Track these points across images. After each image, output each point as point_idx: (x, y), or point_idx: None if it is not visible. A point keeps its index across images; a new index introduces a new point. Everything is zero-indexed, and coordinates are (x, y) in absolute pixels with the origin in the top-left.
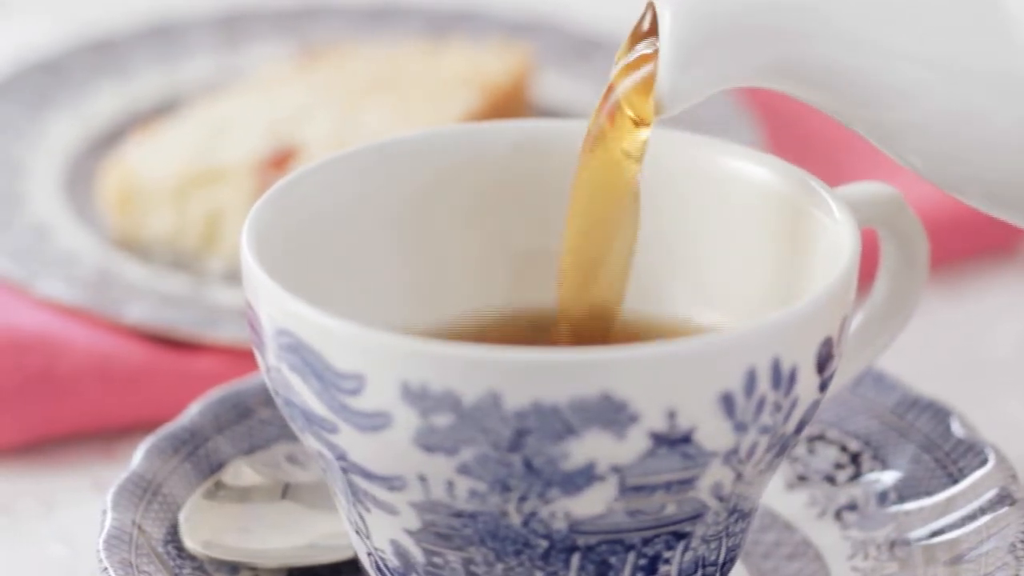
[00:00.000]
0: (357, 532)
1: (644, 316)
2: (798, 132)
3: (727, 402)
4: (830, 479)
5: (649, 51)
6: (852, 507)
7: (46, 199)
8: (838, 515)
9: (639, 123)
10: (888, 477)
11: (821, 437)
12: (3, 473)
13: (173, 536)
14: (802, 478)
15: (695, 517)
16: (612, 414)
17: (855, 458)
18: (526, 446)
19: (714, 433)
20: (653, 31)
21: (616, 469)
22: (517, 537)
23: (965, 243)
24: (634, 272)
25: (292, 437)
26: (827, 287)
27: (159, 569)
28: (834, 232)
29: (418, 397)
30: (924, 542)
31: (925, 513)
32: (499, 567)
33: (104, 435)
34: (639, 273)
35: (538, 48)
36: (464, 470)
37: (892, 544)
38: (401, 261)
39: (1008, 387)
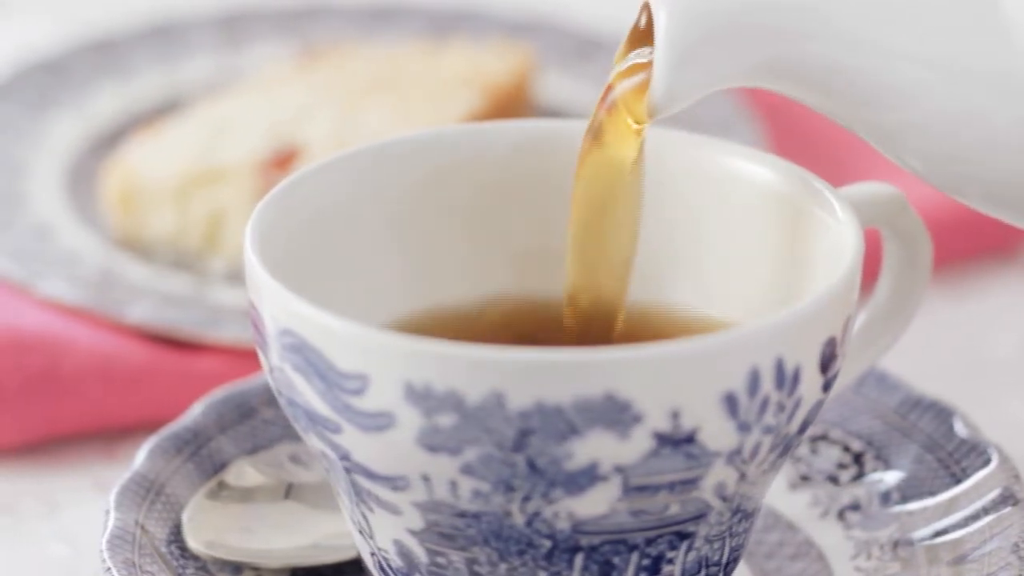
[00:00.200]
0: (360, 532)
1: (647, 314)
2: (800, 132)
3: (730, 402)
4: (833, 479)
5: (644, 60)
6: (855, 507)
7: (48, 199)
8: (841, 515)
9: (636, 122)
10: (891, 477)
11: (824, 437)
12: (5, 473)
13: (176, 536)
14: (805, 478)
15: (698, 517)
16: (615, 414)
17: (858, 458)
18: (529, 446)
19: (717, 433)
20: (650, 30)
21: (619, 469)
22: (520, 537)
23: (967, 243)
24: (637, 272)
25: (295, 437)
26: (830, 287)
27: (162, 569)
28: (837, 232)
29: (421, 397)
30: (927, 542)
31: (928, 513)
32: (502, 567)
33: (106, 435)
34: (642, 273)
35: (539, 48)
36: (467, 470)
37: (895, 544)
38: (403, 260)
39: (1010, 387)
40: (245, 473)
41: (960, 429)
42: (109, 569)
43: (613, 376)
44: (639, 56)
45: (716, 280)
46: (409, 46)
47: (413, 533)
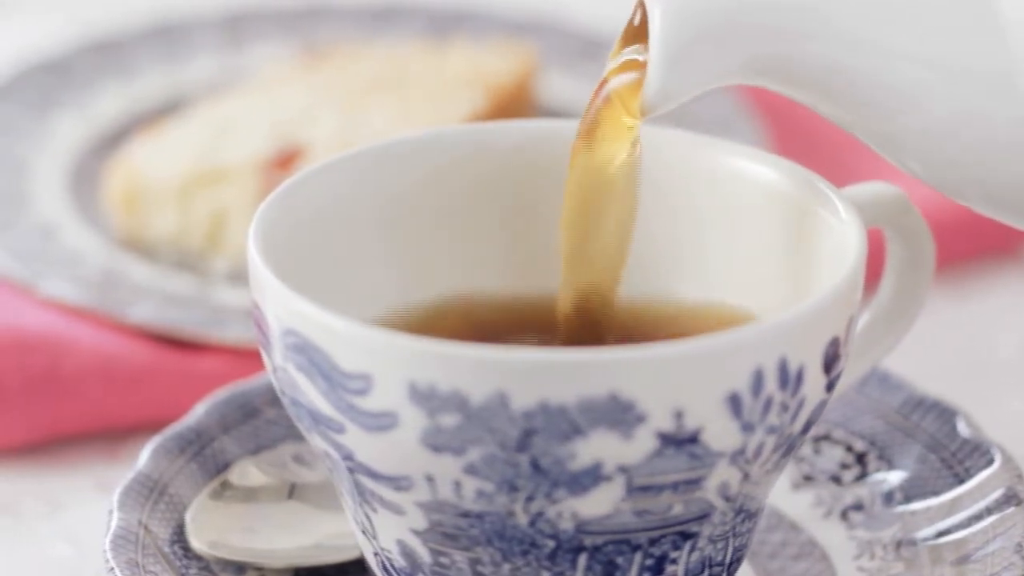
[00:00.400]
0: (363, 532)
1: (651, 314)
2: (803, 132)
3: (734, 402)
4: (836, 479)
5: (639, 58)
6: (858, 507)
7: (51, 199)
8: (844, 515)
9: (631, 118)
10: (894, 477)
11: (827, 437)
12: (8, 473)
13: (179, 536)
14: (808, 478)
15: (702, 517)
16: (619, 414)
17: (861, 458)
18: (533, 446)
19: (721, 433)
20: (644, 28)
21: (623, 469)
22: (524, 537)
23: (969, 244)
24: (640, 272)
25: (298, 437)
26: (834, 287)
27: (165, 569)
28: (840, 232)
29: (425, 397)
30: (930, 542)
31: (931, 513)
32: (506, 567)
33: (109, 435)
34: (646, 273)
35: (541, 48)
36: (471, 470)
37: (898, 544)
38: (406, 260)
39: (1013, 387)
40: (248, 473)
41: (963, 429)
42: (112, 569)
43: (617, 376)
44: (634, 52)
45: (720, 280)
46: (411, 46)
47: (416, 533)
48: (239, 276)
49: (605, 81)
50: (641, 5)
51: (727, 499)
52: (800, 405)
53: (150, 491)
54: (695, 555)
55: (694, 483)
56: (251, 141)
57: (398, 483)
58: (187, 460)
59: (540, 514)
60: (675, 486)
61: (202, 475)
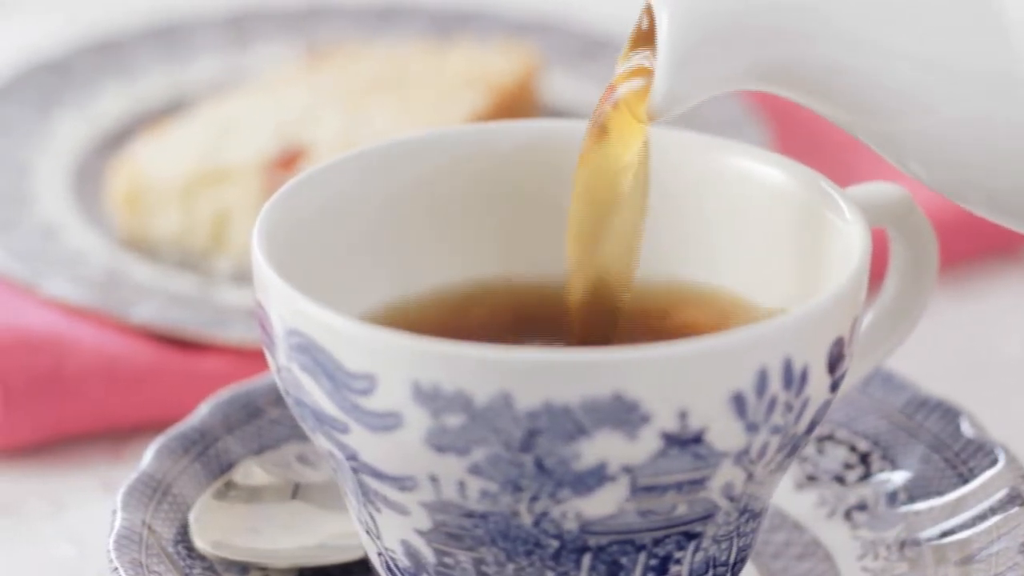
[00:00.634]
0: (367, 532)
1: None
2: (807, 133)
3: (738, 402)
4: (839, 479)
5: (647, 64)
6: (862, 507)
7: (53, 199)
8: (848, 515)
9: (639, 122)
10: (898, 477)
11: (830, 437)
12: (11, 473)
13: (183, 536)
14: (811, 478)
15: (706, 517)
16: (623, 414)
17: (864, 458)
18: (537, 446)
19: (725, 433)
20: (652, 32)
21: (627, 469)
22: (528, 537)
23: (972, 244)
24: (646, 272)
25: (302, 437)
26: (838, 287)
27: (169, 569)
28: (845, 232)
29: (429, 397)
30: (934, 542)
31: (935, 513)
32: (510, 567)
33: (112, 435)
34: (651, 273)
35: (544, 48)
36: (475, 470)
37: (902, 544)
38: (409, 259)
39: (1017, 387)
40: (252, 473)
41: (967, 429)
42: (116, 569)
43: (621, 376)
44: (642, 59)
45: (725, 280)
46: (414, 46)
47: (420, 533)
48: (242, 276)
49: (613, 87)
50: (649, 10)
51: (731, 499)
52: (804, 405)
53: (154, 491)
54: (699, 555)
55: (698, 483)
56: (254, 141)
57: (402, 483)
58: (191, 460)
59: (544, 514)
60: (679, 486)
61: (206, 475)
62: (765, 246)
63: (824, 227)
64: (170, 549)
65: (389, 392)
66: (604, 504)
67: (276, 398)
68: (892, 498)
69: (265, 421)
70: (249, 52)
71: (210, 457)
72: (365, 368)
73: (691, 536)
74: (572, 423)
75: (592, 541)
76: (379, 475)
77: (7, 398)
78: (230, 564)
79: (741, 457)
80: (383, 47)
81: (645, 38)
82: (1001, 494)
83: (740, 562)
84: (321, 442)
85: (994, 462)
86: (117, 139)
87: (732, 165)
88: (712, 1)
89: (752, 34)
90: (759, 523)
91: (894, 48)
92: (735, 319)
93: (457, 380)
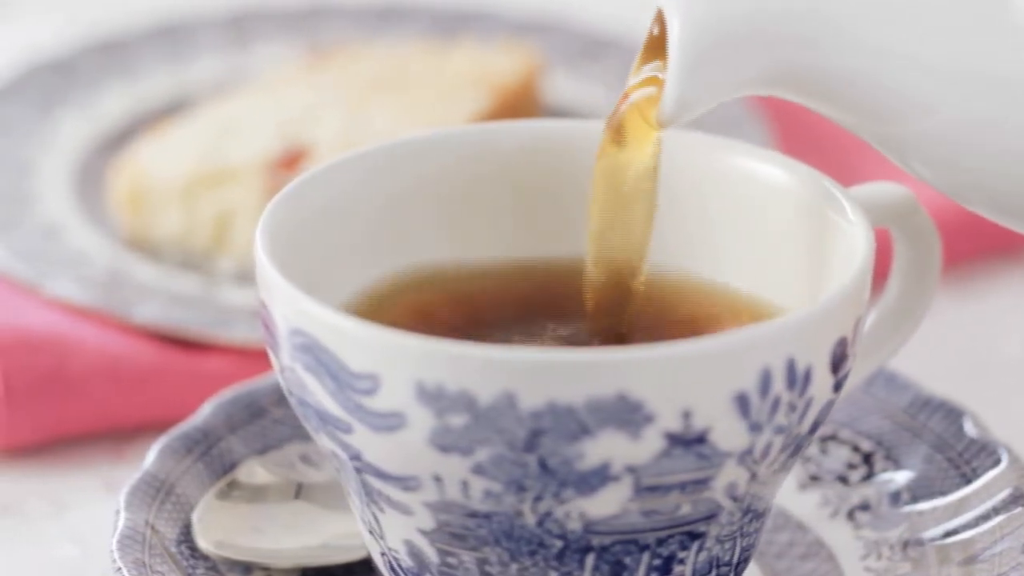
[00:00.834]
0: (371, 532)
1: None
2: (810, 132)
3: (742, 402)
4: (843, 479)
5: (659, 75)
6: (865, 507)
7: (56, 199)
8: (851, 515)
9: (651, 127)
10: (901, 477)
11: (833, 437)
12: (14, 473)
13: (186, 536)
14: (815, 478)
15: (709, 517)
16: (627, 414)
17: (867, 458)
18: (541, 446)
19: (729, 433)
20: (664, 38)
21: (631, 469)
22: (532, 537)
23: (975, 244)
24: (652, 273)
25: (305, 437)
26: (842, 287)
27: (172, 569)
28: (848, 232)
29: (433, 397)
30: (938, 542)
31: (938, 513)
32: (513, 567)
33: (115, 435)
34: (657, 274)
35: (546, 48)
36: (479, 470)
37: (905, 544)
38: (412, 259)
39: (1019, 387)
40: (255, 473)
41: (970, 429)
42: (120, 569)
43: (625, 376)
44: (653, 70)
45: (729, 277)
46: (416, 46)
47: (424, 533)
48: (245, 276)
49: (627, 95)
50: (660, 17)
51: (735, 499)
52: (808, 405)
53: (157, 491)
54: (703, 555)
55: (702, 483)
56: (256, 141)
57: (406, 483)
58: (194, 460)
59: (548, 514)
60: (683, 486)
61: (209, 475)
62: (769, 246)
63: (827, 227)
64: (173, 549)
65: (393, 392)
66: (608, 504)
67: (279, 398)
68: (895, 498)
69: (268, 421)
70: (251, 52)
71: (213, 457)
72: (369, 368)
73: (695, 536)
74: (576, 423)
75: (596, 541)
76: (383, 475)
77: (10, 398)
78: (233, 564)
79: (744, 457)
80: (385, 47)
81: (657, 44)
82: (1004, 494)
83: (743, 562)
84: (324, 442)
85: (997, 462)
86: (119, 139)
87: (736, 165)
88: (723, 8)
89: (763, 40)
90: (762, 523)
91: (906, 54)
92: (739, 314)
93: (461, 380)
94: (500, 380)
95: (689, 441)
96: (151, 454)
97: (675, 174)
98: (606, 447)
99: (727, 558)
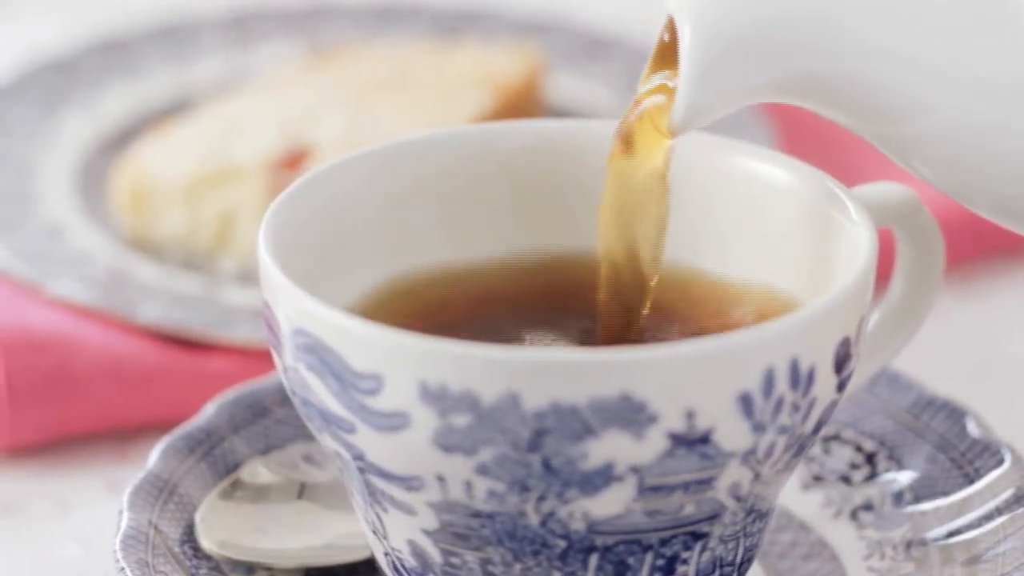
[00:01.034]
0: (374, 532)
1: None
2: (813, 133)
3: (745, 402)
4: (845, 479)
5: (669, 83)
6: (868, 507)
7: (58, 199)
8: (854, 515)
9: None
10: (904, 477)
11: (836, 437)
12: (17, 473)
13: (189, 536)
14: (817, 478)
15: (713, 517)
16: (631, 414)
17: (870, 458)
18: (545, 446)
19: (732, 433)
20: (674, 45)
21: (634, 469)
22: (535, 537)
23: (978, 244)
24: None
25: (308, 437)
26: (845, 287)
27: (175, 569)
28: (852, 233)
29: (436, 397)
30: (941, 542)
31: (941, 513)
32: (517, 567)
33: (118, 435)
34: (661, 274)
35: (548, 48)
36: (482, 470)
37: (908, 544)
38: (415, 259)
39: (1022, 387)
40: (258, 473)
41: (973, 429)
42: (123, 569)
43: (628, 376)
44: (664, 78)
45: (733, 279)
46: (418, 46)
47: (427, 533)
48: (247, 276)
49: (637, 102)
50: (671, 24)
51: (738, 499)
52: (811, 405)
53: (160, 491)
54: (706, 555)
55: (705, 483)
56: (258, 141)
57: (409, 483)
58: (197, 460)
59: (551, 514)
60: (686, 486)
61: (212, 475)
62: (772, 246)
63: (831, 227)
64: (176, 549)
65: (396, 392)
66: (611, 504)
67: (282, 398)
68: (898, 498)
69: (271, 421)
70: (253, 52)
71: (216, 457)
72: (372, 368)
73: (698, 536)
74: (579, 423)
75: (599, 541)
76: (386, 475)
77: (13, 398)
78: (236, 564)
79: (748, 457)
80: (387, 47)
81: (667, 51)
82: (1007, 494)
83: (746, 562)
84: (328, 442)
85: (1000, 462)
86: (122, 139)
87: (739, 165)
88: (735, 15)
89: (775, 47)
90: (766, 523)
91: (917, 59)
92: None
93: (464, 380)
94: (503, 380)
95: (692, 441)
96: (154, 454)
97: (679, 174)
98: (610, 447)
99: (730, 558)
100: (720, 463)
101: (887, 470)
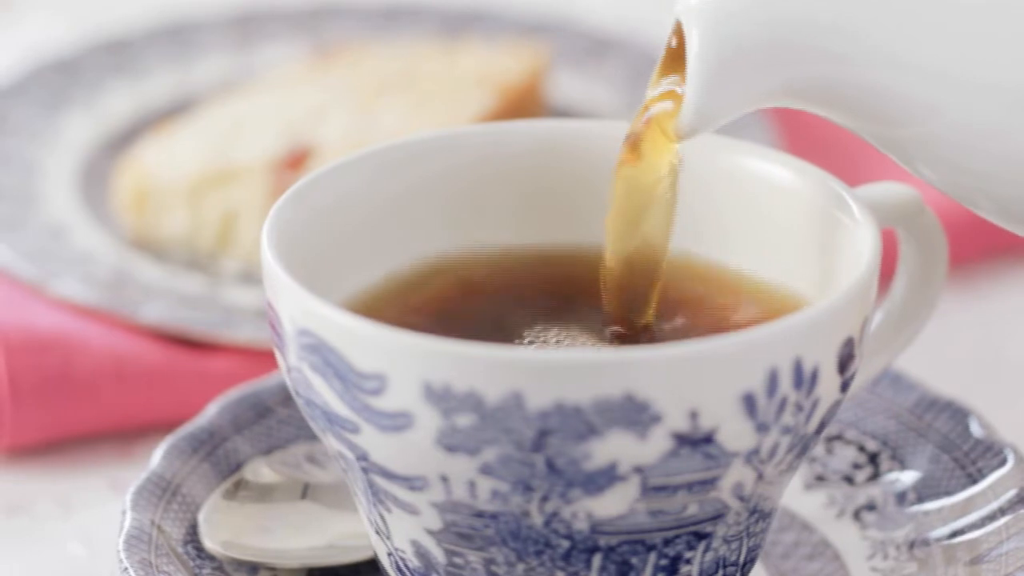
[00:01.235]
0: (377, 532)
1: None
2: (815, 133)
3: (749, 402)
4: (848, 479)
5: (677, 89)
6: (871, 507)
7: (61, 199)
8: (857, 515)
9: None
10: (907, 477)
11: (839, 437)
12: (21, 473)
13: (192, 536)
14: (820, 478)
15: (716, 517)
16: (634, 414)
17: (873, 458)
18: (548, 446)
19: (736, 433)
20: (682, 50)
21: (638, 469)
22: (538, 537)
23: (981, 244)
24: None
25: (311, 437)
26: (849, 288)
27: (179, 569)
28: (855, 233)
29: (440, 397)
30: (944, 542)
31: (944, 513)
32: (520, 567)
33: (121, 435)
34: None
35: (552, 48)
36: (486, 470)
37: (911, 544)
38: (419, 258)
39: None
40: (261, 473)
41: (976, 429)
42: (126, 569)
43: (632, 376)
44: (672, 84)
45: (736, 278)
46: (422, 46)
47: (431, 533)
48: (250, 276)
49: (646, 107)
50: (678, 29)
51: (741, 499)
52: (815, 405)
53: (163, 491)
54: (709, 555)
55: (709, 483)
56: (261, 141)
57: (412, 483)
58: (200, 460)
59: (555, 514)
60: (690, 486)
61: (215, 475)
62: (775, 246)
63: (834, 227)
64: (180, 549)
65: (400, 392)
66: (615, 504)
67: (285, 398)
68: (901, 498)
69: (274, 421)
70: (256, 52)
71: (219, 457)
72: (376, 368)
73: (701, 536)
74: (583, 423)
75: (602, 541)
76: (389, 475)
77: (16, 398)
78: (240, 564)
79: (751, 457)
80: (391, 47)
81: (675, 56)
82: (1010, 494)
83: (750, 562)
84: (331, 442)
85: (1003, 462)
86: (124, 139)
87: (743, 165)
88: (742, 20)
89: (782, 53)
90: (769, 523)
91: (927, 66)
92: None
93: (468, 380)
94: (507, 380)
95: (696, 441)
96: (157, 454)
97: (682, 174)
98: (613, 447)
99: (733, 558)
100: (724, 463)
101: (890, 470)
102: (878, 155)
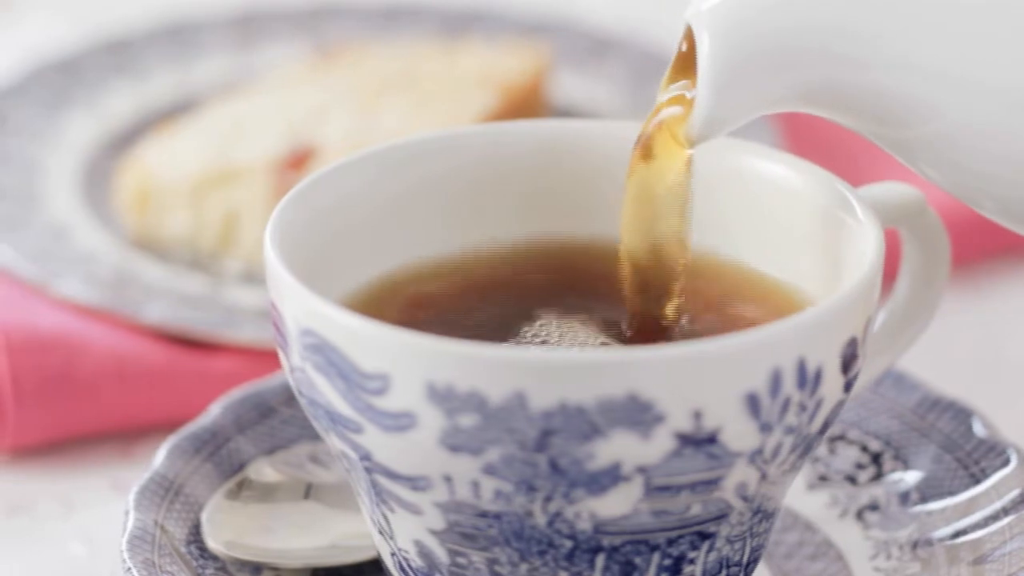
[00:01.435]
0: (380, 532)
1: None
2: (818, 133)
3: (752, 402)
4: (851, 479)
5: (687, 94)
6: (874, 507)
7: (63, 199)
8: (860, 515)
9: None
10: (910, 477)
11: (842, 437)
12: (23, 474)
13: (195, 536)
14: (823, 478)
15: (720, 517)
16: (638, 414)
17: (876, 458)
18: (552, 446)
19: (739, 433)
20: (692, 54)
21: (641, 469)
22: (542, 537)
23: (984, 244)
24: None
25: (314, 437)
26: (852, 288)
27: (182, 569)
28: (858, 233)
29: (443, 397)
30: (947, 542)
31: (947, 513)
32: (523, 567)
33: (124, 435)
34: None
35: (554, 47)
36: (489, 470)
37: (914, 544)
38: (421, 258)
39: None
40: (264, 473)
41: (979, 429)
42: (129, 569)
43: (635, 376)
44: (682, 88)
45: (739, 278)
46: (423, 46)
47: (434, 533)
48: (252, 276)
49: (656, 111)
50: (689, 34)
51: (745, 499)
52: (818, 405)
53: (166, 491)
54: (712, 555)
55: (712, 483)
56: (263, 141)
57: (416, 483)
58: (203, 460)
59: (558, 514)
60: (693, 486)
61: (218, 475)
62: (778, 246)
63: (837, 227)
64: (183, 549)
65: (403, 392)
66: (618, 504)
67: (288, 397)
68: (904, 498)
69: (277, 421)
70: (258, 52)
71: (222, 457)
72: (379, 368)
73: (705, 536)
74: (586, 423)
75: (606, 541)
76: (393, 475)
77: (18, 398)
78: (242, 564)
79: (755, 457)
80: (392, 47)
81: (685, 61)
82: (1013, 494)
83: (753, 562)
84: (334, 442)
85: (1006, 462)
86: (126, 139)
87: (746, 165)
88: (753, 25)
89: (792, 58)
90: (772, 523)
91: (938, 69)
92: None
93: (471, 380)
94: (510, 380)
95: (699, 441)
96: (160, 454)
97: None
98: (616, 447)
99: (737, 558)
100: (727, 463)
101: (893, 470)
102: (881, 155)
